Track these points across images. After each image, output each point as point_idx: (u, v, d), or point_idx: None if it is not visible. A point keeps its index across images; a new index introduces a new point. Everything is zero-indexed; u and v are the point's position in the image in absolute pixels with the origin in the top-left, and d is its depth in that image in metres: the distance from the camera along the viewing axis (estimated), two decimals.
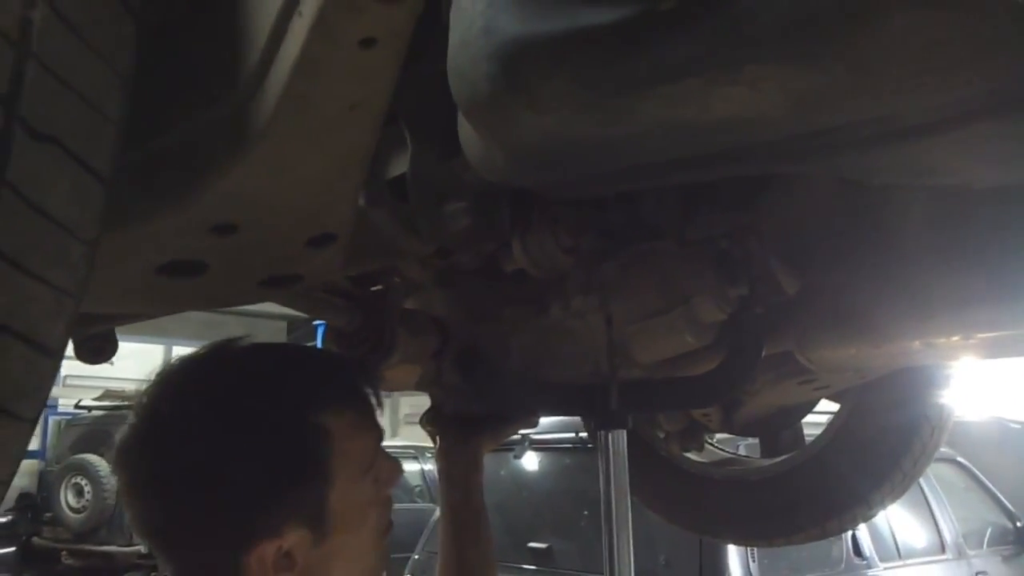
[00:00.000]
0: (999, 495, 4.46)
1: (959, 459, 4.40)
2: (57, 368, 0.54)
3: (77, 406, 7.89)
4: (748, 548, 3.03)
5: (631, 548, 1.12)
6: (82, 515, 7.00)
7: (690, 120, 0.64)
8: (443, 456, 1.20)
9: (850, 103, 0.59)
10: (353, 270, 1.26)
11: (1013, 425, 6.17)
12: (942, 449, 1.75)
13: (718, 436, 2.04)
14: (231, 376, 0.72)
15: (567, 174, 0.80)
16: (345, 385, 0.78)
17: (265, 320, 9.88)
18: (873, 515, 1.70)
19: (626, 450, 1.16)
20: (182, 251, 0.74)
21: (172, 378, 0.73)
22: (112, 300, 0.84)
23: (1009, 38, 0.51)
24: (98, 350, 1.08)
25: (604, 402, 1.12)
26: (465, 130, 0.81)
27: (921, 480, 3.56)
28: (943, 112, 0.58)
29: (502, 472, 3.80)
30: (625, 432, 1.16)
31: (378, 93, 0.66)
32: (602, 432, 1.16)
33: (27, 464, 8.72)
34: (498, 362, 1.19)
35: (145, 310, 0.97)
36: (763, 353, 1.08)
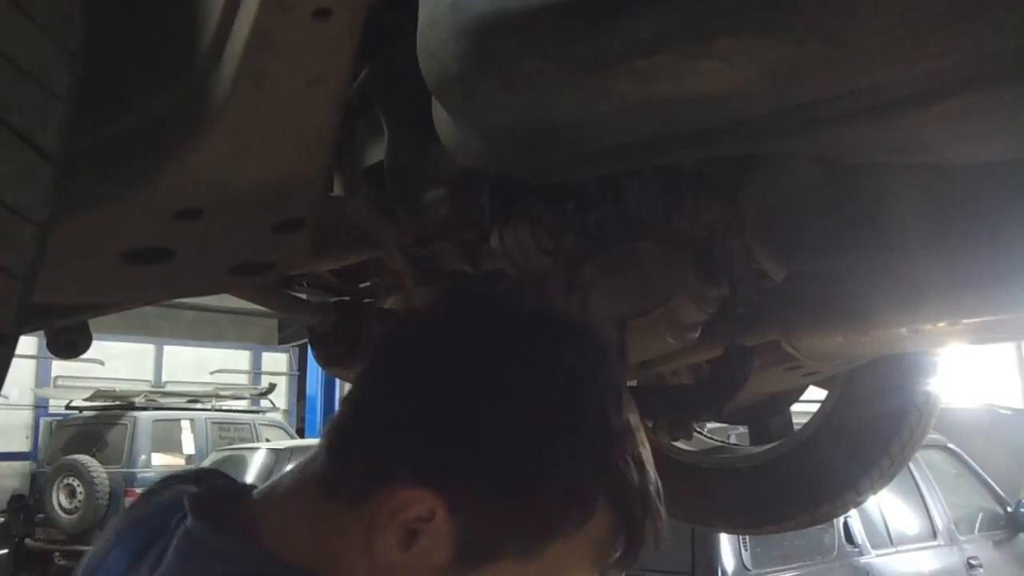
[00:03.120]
0: (990, 481, 4.48)
1: (950, 446, 4.42)
2: (10, 356, 0.52)
3: (68, 407, 7.83)
4: (740, 537, 3.03)
5: None
6: (75, 516, 6.95)
7: (665, 97, 0.63)
8: None
9: (826, 76, 0.57)
10: (334, 263, 1.24)
11: (1004, 412, 6.20)
12: (933, 436, 1.75)
13: (708, 425, 2.04)
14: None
15: (544, 157, 0.78)
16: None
17: (256, 318, 9.81)
18: (863, 501, 1.70)
19: None
20: (147, 237, 0.72)
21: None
22: (78, 289, 0.82)
23: (985, 5, 0.49)
24: (71, 344, 1.06)
25: None
26: (439, 113, 0.79)
27: (912, 467, 3.56)
28: (920, 85, 0.57)
29: None
30: None
31: (336, 69, 0.64)
32: None
33: (19, 465, 8.66)
34: None
35: (113, 300, 0.95)
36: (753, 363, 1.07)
